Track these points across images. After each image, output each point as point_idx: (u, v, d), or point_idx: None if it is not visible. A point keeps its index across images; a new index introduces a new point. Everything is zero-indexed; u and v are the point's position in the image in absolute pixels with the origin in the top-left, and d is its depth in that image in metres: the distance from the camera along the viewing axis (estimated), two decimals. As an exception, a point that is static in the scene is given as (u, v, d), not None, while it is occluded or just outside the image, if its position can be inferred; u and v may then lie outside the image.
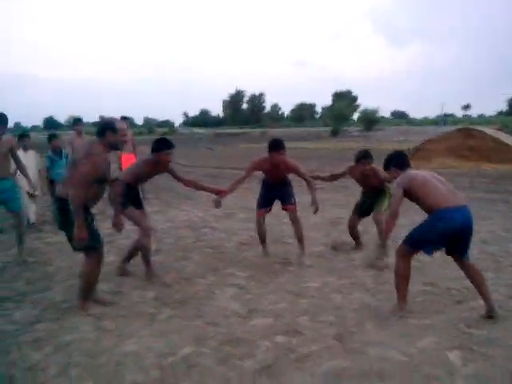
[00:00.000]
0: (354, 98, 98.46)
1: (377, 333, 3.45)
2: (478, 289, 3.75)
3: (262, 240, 5.59)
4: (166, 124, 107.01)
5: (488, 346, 3.23)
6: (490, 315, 3.66)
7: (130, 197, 4.70)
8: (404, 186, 3.74)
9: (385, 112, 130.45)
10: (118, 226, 4.38)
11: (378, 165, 5.26)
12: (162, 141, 4.75)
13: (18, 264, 5.36)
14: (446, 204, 3.56)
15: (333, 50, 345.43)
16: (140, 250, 4.80)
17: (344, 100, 79.99)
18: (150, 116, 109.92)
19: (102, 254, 4.02)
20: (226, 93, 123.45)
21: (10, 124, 5.63)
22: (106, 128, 3.90)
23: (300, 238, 5.43)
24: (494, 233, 6.52)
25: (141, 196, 5.06)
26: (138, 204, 4.84)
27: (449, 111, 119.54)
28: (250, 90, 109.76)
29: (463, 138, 17.85)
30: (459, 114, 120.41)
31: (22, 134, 7.78)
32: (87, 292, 3.98)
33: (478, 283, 3.74)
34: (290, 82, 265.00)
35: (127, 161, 9.41)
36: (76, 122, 8.79)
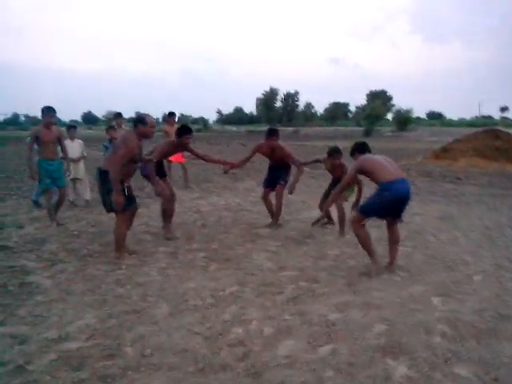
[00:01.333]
0: (389, 98, 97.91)
1: (379, 283, 4.44)
2: (391, 247, 4.93)
3: (270, 211, 6.98)
4: (201, 121, 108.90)
5: (464, 294, 4.17)
6: (390, 268, 4.82)
7: (158, 171, 6.14)
8: (357, 166, 4.80)
9: (420, 113, 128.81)
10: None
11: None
12: (184, 128, 6.27)
13: (53, 229, 6.66)
14: (391, 177, 4.56)
15: (368, 48, 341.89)
16: (165, 209, 6.18)
17: (379, 100, 79.76)
18: (184, 113, 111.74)
19: (128, 217, 5.34)
20: (259, 90, 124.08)
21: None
22: (138, 121, 5.14)
23: (276, 212, 6.86)
24: (498, 221, 7.37)
25: (166, 169, 6.61)
26: (162, 176, 6.31)
27: (486, 113, 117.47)
28: (283, 87, 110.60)
29: (490, 138, 18.41)
30: (497, 116, 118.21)
31: (70, 126, 9.24)
32: (119, 244, 5.22)
33: (394, 242, 4.92)
34: (324, 81, 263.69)
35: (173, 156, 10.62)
36: (116, 116, 10.22)
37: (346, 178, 4.97)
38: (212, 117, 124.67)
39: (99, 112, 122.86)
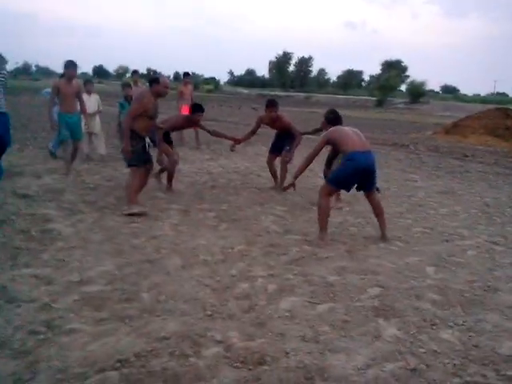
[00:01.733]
0: (404, 69, 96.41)
1: (378, 251, 4.72)
2: (378, 218, 5.15)
3: (273, 176, 7.52)
4: (212, 81, 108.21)
5: (457, 266, 4.45)
6: (383, 239, 5.06)
7: (167, 139, 6.77)
8: (327, 136, 5.12)
9: (434, 85, 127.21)
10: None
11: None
12: (197, 106, 6.99)
13: (70, 180, 7.00)
14: (355, 148, 4.80)
15: (386, 15, 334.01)
16: (167, 171, 6.81)
17: (393, 70, 78.60)
18: (196, 71, 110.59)
19: (143, 173, 5.63)
20: (273, 54, 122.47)
21: (60, 70, 7.28)
22: (153, 81, 5.55)
23: (281, 179, 7.21)
24: (499, 199, 7.59)
25: (172, 138, 7.11)
26: (170, 143, 6.91)
27: (501, 90, 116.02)
28: (297, 51, 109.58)
29: (501, 117, 18.37)
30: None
31: (87, 80, 9.47)
32: (132, 197, 5.50)
33: (378, 214, 5.12)
34: (339, 46, 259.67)
35: (186, 111, 10.87)
36: (133, 73, 10.53)
37: (313, 149, 5.12)
38: (224, 78, 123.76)
39: (111, 66, 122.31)
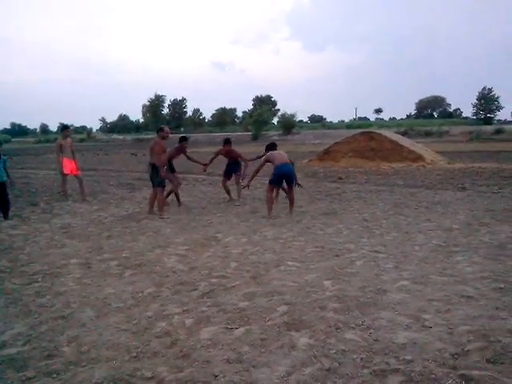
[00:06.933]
0: (274, 103, 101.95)
1: (279, 273, 5.11)
2: (290, 202, 8.64)
3: (228, 193, 10.42)
4: (83, 130, 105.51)
5: (349, 276, 4.97)
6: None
7: (170, 167, 9.65)
8: (265, 158, 8.47)
9: (303, 116, 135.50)
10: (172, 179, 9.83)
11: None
12: (182, 137, 10.49)
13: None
14: (279, 163, 8.17)
15: (252, 54, 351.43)
16: (175, 193, 9.92)
17: (264, 105, 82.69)
18: (65, 122, 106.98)
19: (163, 191, 8.96)
20: (145, 97, 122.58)
21: None
22: (159, 130, 8.84)
23: (238, 193, 10.37)
24: (374, 214, 8.47)
25: (173, 166, 10.10)
26: (172, 171, 9.87)
27: (362, 115, 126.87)
28: (170, 94, 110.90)
29: (366, 140, 20.27)
30: (372, 117, 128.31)
31: None
32: (160, 207, 8.86)
33: (290, 202, 8.59)
34: (210, 86, 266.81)
35: (67, 164, 10.72)
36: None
37: (258, 166, 8.69)
38: (96, 126, 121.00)
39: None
